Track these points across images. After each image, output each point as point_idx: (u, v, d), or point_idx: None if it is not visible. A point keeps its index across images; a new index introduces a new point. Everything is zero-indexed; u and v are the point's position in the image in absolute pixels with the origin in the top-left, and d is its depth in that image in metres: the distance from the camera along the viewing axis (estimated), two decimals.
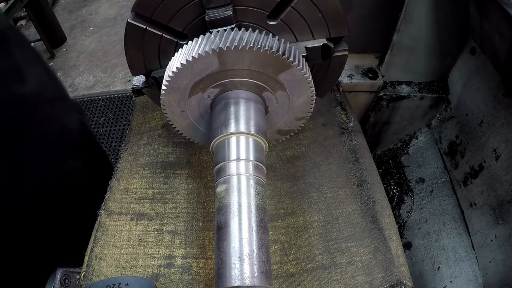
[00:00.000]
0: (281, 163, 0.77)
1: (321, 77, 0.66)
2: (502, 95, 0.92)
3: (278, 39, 0.53)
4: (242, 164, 0.51)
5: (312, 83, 0.56)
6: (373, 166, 0.78)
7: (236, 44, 0.48)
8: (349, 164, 0.77)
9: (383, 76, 1.10)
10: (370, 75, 1.08)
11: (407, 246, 1.11)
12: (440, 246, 1.05)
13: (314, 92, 0.58)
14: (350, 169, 0.76)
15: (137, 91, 0.94)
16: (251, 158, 0.52)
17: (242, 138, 0.53)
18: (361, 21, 1.01)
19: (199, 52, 0.49)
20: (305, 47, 0.57)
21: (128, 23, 0.56)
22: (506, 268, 0.86)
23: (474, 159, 1.01)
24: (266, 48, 0.49)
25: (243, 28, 0.52)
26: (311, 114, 0.63)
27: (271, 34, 0.53)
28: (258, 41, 0.50)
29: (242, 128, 0.53)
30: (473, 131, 1.03)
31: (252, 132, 0.53)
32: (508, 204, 0.88)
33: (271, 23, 0.56)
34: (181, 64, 0.50)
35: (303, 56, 0.55)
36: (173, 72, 0.51)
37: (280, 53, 0.50)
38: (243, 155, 0.51)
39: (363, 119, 1.22)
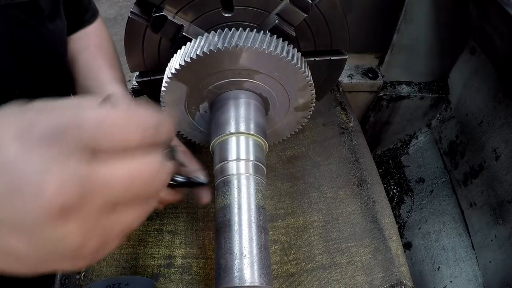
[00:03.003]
0: (281, 163, 0.77)
1: (318, 80, 0.66)
2: (502, 95, 0.92)
3: (277, 39, 0.53)
4: (242, 164, 0.51)
5: (312, 83, 0.56)
6: (373, 166, 0.78)
7: (234, 44, 0.48)
8: (349, 164, 0.77)
9: (383, 76, 1.10)
10: (370, 75, 1.08)
11: (407, 246, 1.11)
12: (440, 246, 1.05)
13: (314, 92, 0.58)
14: (350, 169, 0.76)
15: (137, 91, 0.94)
16: (251, 158, 0.52)
17: (242, 138, 0.53)
18: (361, 21, 1.01)
19: (197, 52, 0.49)
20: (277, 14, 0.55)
21: (129, 18, 0.56)
22: (506, 268, 0.86)
23: (474, 159, 1.01)
24: (265, 47, 0.49)
25: (241, 28, 0.52)
26: (311, 114, 0.63)
27: (269, 34, 0.53)
28: (258, 41, 0.50)
29: (242, 128, 0.53)
30: (473, 131, 1.03)
31: (252, 132, 0.53)
32: (508, 204, 0.88)
33: None
34: (180, 65, 0.50)
35: (275, 25, 0.55)
36: (172, 73, 0.51)
37: (278, 52, 0.50)
38: (243, 155, 0.51)
39: (363, 119, 1.22)
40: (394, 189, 1.22)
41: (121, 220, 0.26)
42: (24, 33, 0.59)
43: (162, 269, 0.62)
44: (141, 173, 0.25)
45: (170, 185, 0.51)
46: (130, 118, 0.25)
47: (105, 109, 0.24)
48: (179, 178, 0.50)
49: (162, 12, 0.54)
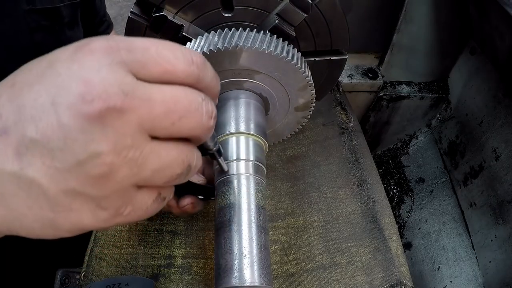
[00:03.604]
0: (281, 163, 0.77)
1: (318, 80, 0.66)
2: (502, 95, 0.92)
3: (277, 39, 0.53)
4: (242, 164, 0.51)
5: (312, 83, 0.56)
6: (373, 166, 0.78)
7: (234, 44, 0.48)
8: (349, 164, 0.77)
9: (383, 76, 1.10)
10: (370, 75, 1.08)
11: (407, 246, 1.11)
12: (440, 246, 1.05)
13: (314, 92, 0.58)
14: (350, 169, 0.76)
15: None
16: (251, 158, 0.51)
17: (242, 138, 0.53)
18: (361, 21, 1.01)
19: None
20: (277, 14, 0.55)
21: (129, 18, 0.56)
22: (506, 268, 0.86)
23: (474, 159, 1.01)
24: (265, 47, 0.49)
25: (241, 28, 0.52)
26: (311, 114, 0.63)
27: (269, 34, 0.53)
28: (258, 41, 0.50)
29: (242, 128, 0.53)
30: (473, 131, 1.03)
31: (252, 132, 0.53)
32: (508, 204, 0.88)
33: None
34: None
35: (275, 25, 0.55)
36: None
37: (278, 52, 0.50)
38: (243, 155, 0.51)
39: (363, 119, 1.22)
40: (394, 189, 1.22)
41: (156, 152, 0.24)
42: (45, 38, 0.60)
43: (162, 269, 0.62)
44: (182, 100, 0.25)
45: (205, 198, 0.52)
46: (177, 50, 0.25)
47: (154, 39, 0.25)
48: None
49: (162, 12, 0.54)
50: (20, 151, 0.21)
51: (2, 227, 0.24)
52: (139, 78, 0.23)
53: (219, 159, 0.43)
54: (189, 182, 0.52)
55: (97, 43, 0.23)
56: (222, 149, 0.42)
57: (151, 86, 0.24)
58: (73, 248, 0.68)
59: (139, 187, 0.25)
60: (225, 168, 0.46)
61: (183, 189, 0.51)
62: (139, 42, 0.24)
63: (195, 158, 0.28)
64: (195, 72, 0.26)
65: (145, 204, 0.26)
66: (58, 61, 0.23)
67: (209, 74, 0.27)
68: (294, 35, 0.57)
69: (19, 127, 0.21)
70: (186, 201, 0.51)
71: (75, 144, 0.21)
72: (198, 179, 0.54)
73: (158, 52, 0.24)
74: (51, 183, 0.22)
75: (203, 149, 0.38)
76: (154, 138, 0.24)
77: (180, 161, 0.26)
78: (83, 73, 0.22)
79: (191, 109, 0.25)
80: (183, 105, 0.24)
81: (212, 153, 0.40)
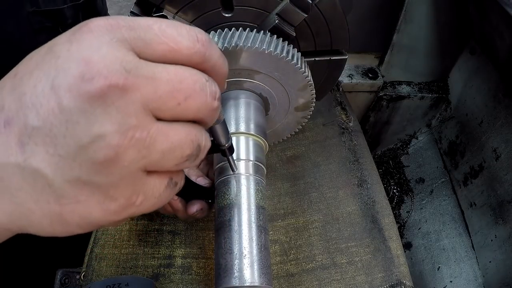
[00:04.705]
0: (281, 163, 0.77)
1: (318, 80, 0.66)
2: (502, 95, 0.92)
3: (277, 39, 0.53)
4: (242, 164, 0.51)
5: (312, 83, 0.56)
6: (373, 166, 0.78)
7: (234, 44, 0.48)
8: (349, 164, 0.77)
9: (383, 76, 1.10)
10: (370, 75, 1.08)
11: (407, 246, 1.11)
12: (440, 246, 1.05)
13: (314, 92, 0.58)
14: (350, 169, 0.76)
15: None
16: (251, 158, 0.52)
17: (242, 138, 0.53)
18: (361, 21, 1.01)
19: None
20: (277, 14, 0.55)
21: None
22: (506, 268, 0.86)
23: (474, 159, 1.01)
24: (265, 47, 0.49)
25: (241, 28, 0.52)
26: (311, 114, 0.63)
27: (269, 34, 0.53)
28: (258, 41, 0.50)
29: (242, 128, 0.53)
30: (473, 131, 1.03)
31: (252, 132, 0.53)
32: (508, 204, 0.88)
33: None
34: None
35: (275, 25, 0.55)
36: None
37: (278, 52, 0.50)
38: (243, 155, 0.51)
39: (363, 119, 1.22)
40: (394, 189, 1.22)
41: (164, 132, 0.23)
42: (49, 39, 0.60)
43: (162, 269, 0.62)
44: (187, 80, 0.24)
45: (213, 201, 0.51)
46: (181, 27, 0.24)
47: (156, 18, 0.24)
48: None
49: (162, 12, 0.54)
50: (23, 141, 0.21)
51: (11, 225, 0.23)
52: (141, 58, 0.23)
53: (230, 157, 0.42)
54: (196, 185, 0.52)
55: (96, 22, 0.22)
56: (234, 147, 0.42)
57: (154, 65, 0.23)
58: (73, 248, 0.68)
59: (149, 172, 0.24)
60: (235, 167, 0.45)
61: (190, 193, 0.51)
62: (141, 20, 0.24)
63: (204, 138, 0.27)
64: (200, 50, 0.25)
65: (157, 191, 0.25)
66: (56, 44, 0.22)
67: (216, 53, 0.26)
68: (294, 35, 0.57)
69: (20, 116, 0.21)
70: (196, 208, 0.51)
71: (77, 128, 0.20)
72: (204, 181, 0.54)
73: (161, 30, 0.23)
74: (56, 173, 0.21)
75: (214, 145, 0.37)
76: (160, 120, 0.23)
77: (189, 141, 0.25)
78: (82, 52, 0.21)
79: (196, 88, 0.24)
80: (188, 84, 0.23)
81: (223, 150, 0.39)
